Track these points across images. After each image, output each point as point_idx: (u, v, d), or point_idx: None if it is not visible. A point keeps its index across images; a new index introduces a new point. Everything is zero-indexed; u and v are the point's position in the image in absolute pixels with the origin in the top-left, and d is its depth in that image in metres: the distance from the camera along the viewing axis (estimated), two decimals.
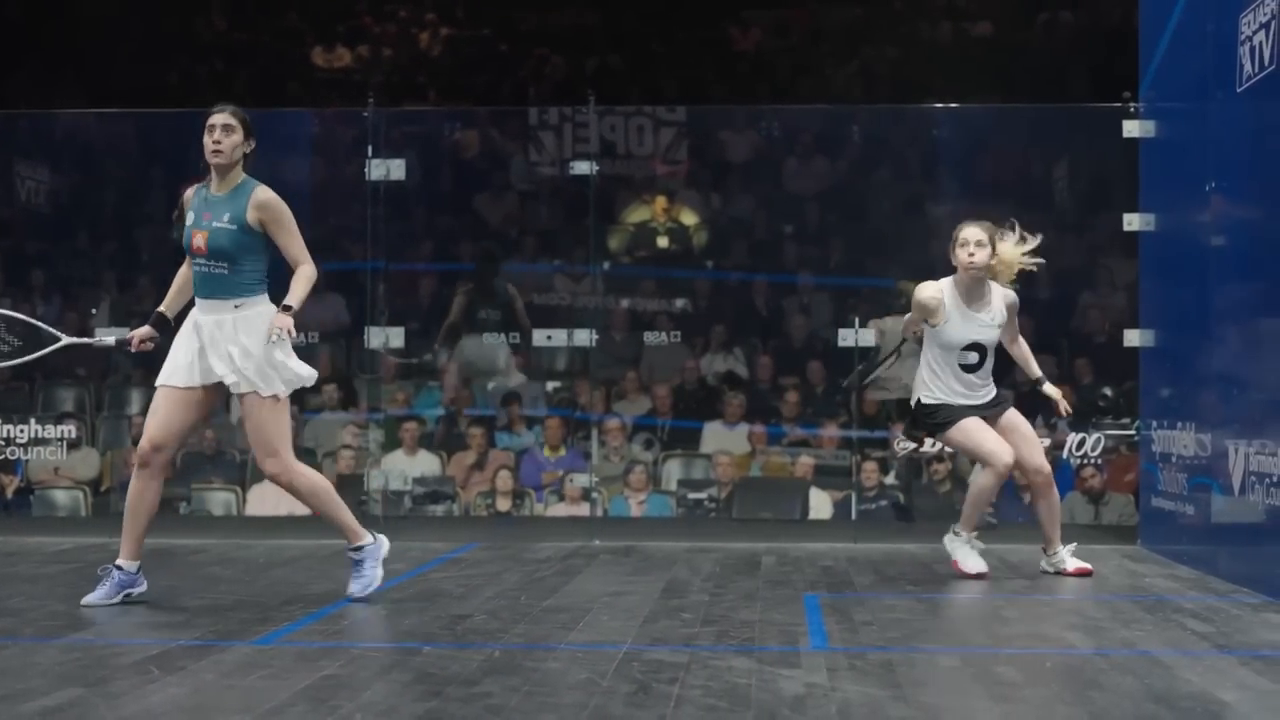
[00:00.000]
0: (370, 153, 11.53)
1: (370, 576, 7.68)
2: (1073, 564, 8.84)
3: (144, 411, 13.03)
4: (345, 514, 7.68)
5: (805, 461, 12.78)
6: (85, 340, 8.11)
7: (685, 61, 18.24)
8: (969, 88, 15.78)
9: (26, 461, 12.16)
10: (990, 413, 8.64)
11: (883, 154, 13.87)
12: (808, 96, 17.06)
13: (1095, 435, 11.89)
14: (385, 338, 11.74)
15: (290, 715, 5.15)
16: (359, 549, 7.69)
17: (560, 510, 12.35)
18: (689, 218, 14.35)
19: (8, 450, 11.96)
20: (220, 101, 7.86)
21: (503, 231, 14.36)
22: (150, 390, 13.35)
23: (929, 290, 8.46)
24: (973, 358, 8.54)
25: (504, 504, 12.39)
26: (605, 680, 5.71)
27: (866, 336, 11.34)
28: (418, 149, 13.08)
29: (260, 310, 7.44)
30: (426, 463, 12.62)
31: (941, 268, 8.68)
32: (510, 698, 5.42)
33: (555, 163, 13.74)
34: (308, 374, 7.56)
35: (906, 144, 13.77)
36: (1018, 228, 8.67)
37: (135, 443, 12.46)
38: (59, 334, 8.07)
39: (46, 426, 12.03)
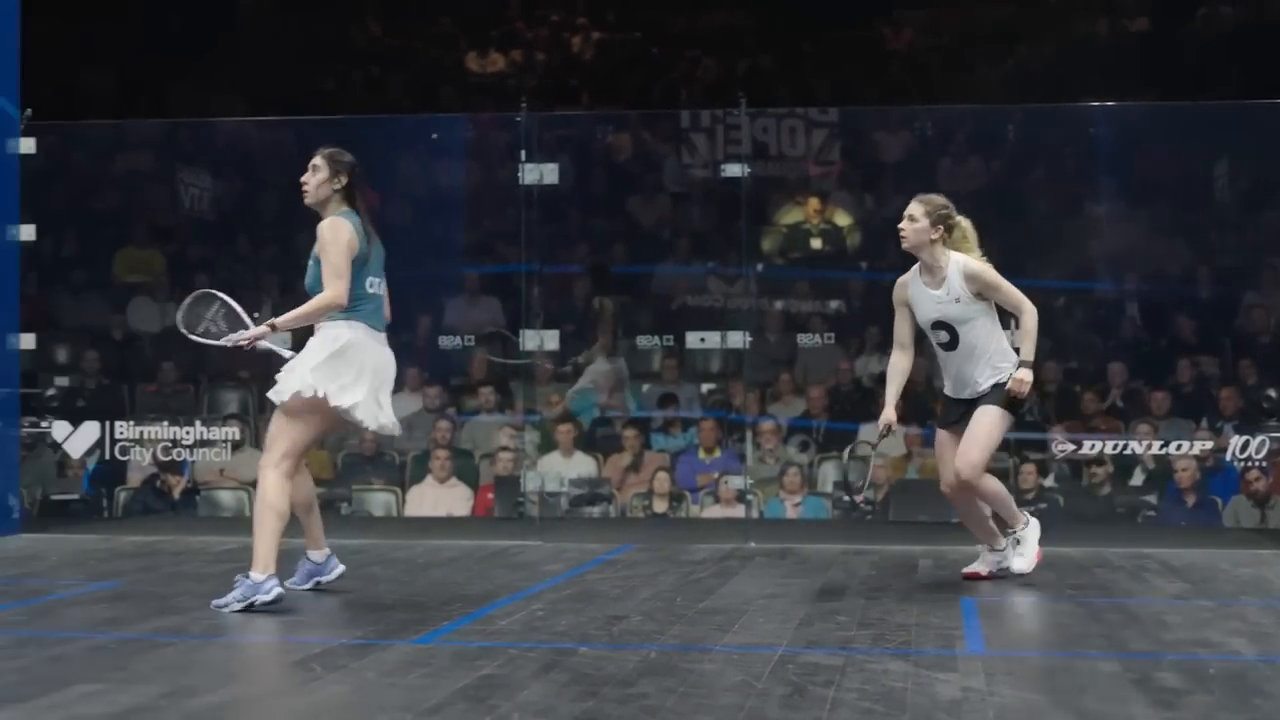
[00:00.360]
0: (523, 157, 11.60)
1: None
2: (1021, 561, 8.58)
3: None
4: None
5: None
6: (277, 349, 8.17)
7: (837, 62, 18.17)
8: (1126, 85, 15.57)
9: (193, 463, 12.40)
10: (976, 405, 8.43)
11: (1038, 154, 13.72)
12: (960, 96, 16.93)
13: (1260, 438, 11.67)
14: (540, 340, 11.82)
15: (449, 714, 5.22)
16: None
17: (715, 512, 12.37)
18: (842, 219, 14.30)
19: (175, 451, 12.20)
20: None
21: (655, 234, 14.41)
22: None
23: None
24: (943, 336, 8.40)
25: (660, 505, 12.43)
26: (760, 682, 5.71)
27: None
28: (570, 152, 13.16)
29: (324, 333, 7.75)
30: (582, 464, 12.70)
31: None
32: (666, 699, 5.44)
33: (707, 165, 13.76)
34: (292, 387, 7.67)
35: (1062, 143, 13.61)
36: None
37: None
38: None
39: (212, 428, 12.25)
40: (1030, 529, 8.60)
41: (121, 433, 12.05)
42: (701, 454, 12.76)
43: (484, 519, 12.23)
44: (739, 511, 11.98)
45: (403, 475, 12.66)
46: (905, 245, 8.39)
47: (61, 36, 18.61)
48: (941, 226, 8.34)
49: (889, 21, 18.82)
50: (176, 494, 12.49)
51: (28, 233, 11.37)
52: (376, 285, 7.89)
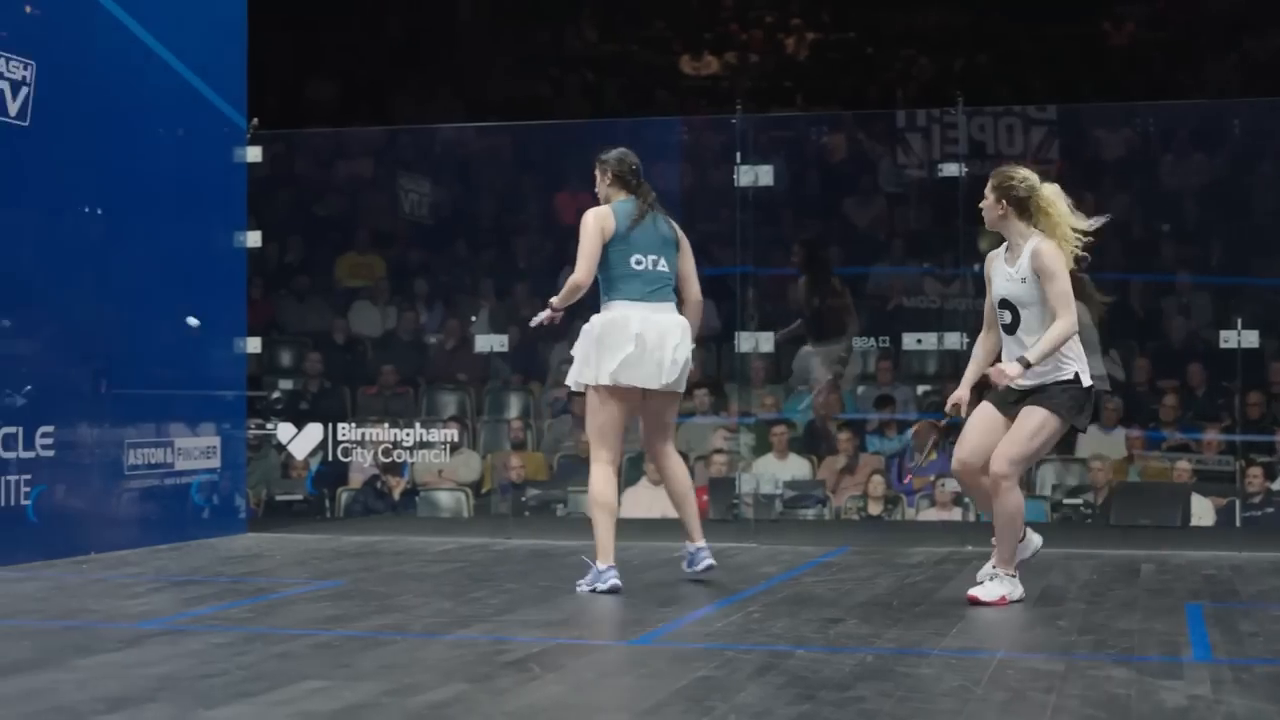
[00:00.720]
0: (738, 159, 11.60)
1: None
2: (981, 590, 7.80)
3: (522, 415, 13.47)
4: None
5: (1185, 466, 12.41)
6: None
7: (1055, 59, 17.90)
8: None
9: (412, 464, 12.61)
10: (1030, 399, 7.74)
11: (1266, 148, 13.36)
12: (1184, 91, 16.57)
13: None
14: (755, 342, 11.80)
15: (666, 715, 5.23)
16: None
17: (931, 515, 12.25)
18: None
19: (395, 453, 12.40)
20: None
21: (871, 235, 14.32)
22: (526, 395, 13.77)
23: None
24: (1006, 316, 7.79)
25: (875, 508, 12.34)
26: (979, 688, 5.64)
27: (1250, 338, 10.92)
28: (785, 154, 13.14)
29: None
30: (797, 466, 12.66)
31: None
32: (883, 703, 5.40)
33: (923, 165, 13.65)
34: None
35: None
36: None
37: (514, 446, 12.85)
38: None
39: (431, 430, 12.44)
40: (1013, 584, 7.85)
41: (343, 434, 12.29)
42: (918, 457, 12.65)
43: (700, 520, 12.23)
44: (955, 514, 11.84)
45: (619, 477, 12.72)
46: (986, 224, 7.93)
47: (286, 48, 19.06)
48: (1005, 201, 7.74)
49: (1110, 16, 18.49)
50: (396, 495, 12.71)
51: (254, 239, 11.67)
52: (645, 262, 8.34)
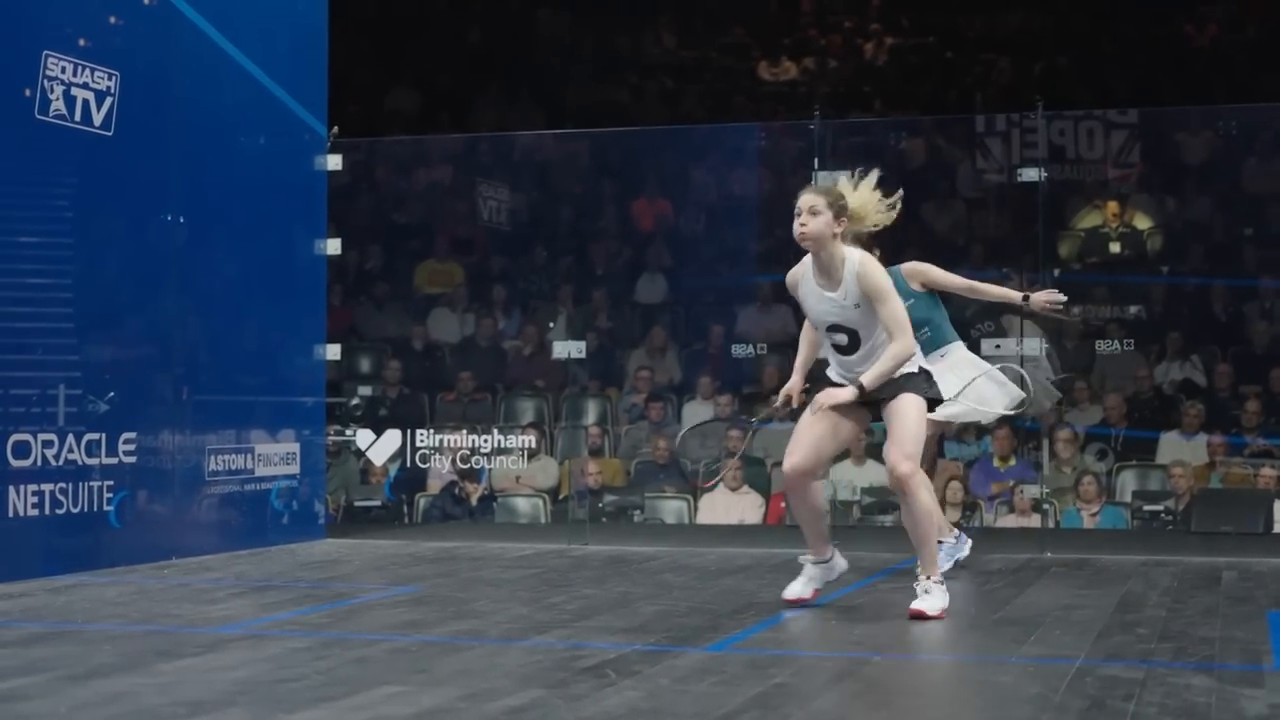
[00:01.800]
0: (817, 164, 11.58)
1: None
2: (925, 604, 7.42)
3: (599, 421, 13.51)
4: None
5: (1269, 473, 12.29)
6: None
7: (1136, 61, 17.77)
8: None
9: (490, 469, 12.65)
10: (884, 394, 7.40)
11: None
12: (1267, 93, 16.40)
13: None
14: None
15: None
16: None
17: (1010, 521, 12.18)
18: (1142, 222, 13.98)
19: (473, 459, 12.46)
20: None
21: (950, 240, 14.26)
22: (603, 401, 13.78)
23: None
24: (841, 339, 7.43)
25: (953, 514, 12.28)
26: (1058, 695, 5.60)
27: None
28: (864, 159, 13.08)
29: None
30: (874, 473, 12.62)
31: None
32: (961, 711, 5.37)
33: (1003, 169, 13.58)
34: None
35: None
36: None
37: (592, 452, 12.88)
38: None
39: (509, 436, 12.49)
40: (943, 592, 7.53)
41: (422, 440, 12.36)
42: (996, 462, 12.58)
43: (776, 527, 12.23)
44: (1034, 521, 11.77)
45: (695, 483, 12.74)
46: (808, 246, 7.34)
47: (367, 57, 19.21)
48: (845, 218, 7.37)
49: (1192, 17, 18.33)
50: (474, 501, 12.76)
51: (334, 246, 11.75)
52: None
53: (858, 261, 7.32)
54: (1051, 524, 11.84)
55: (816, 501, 7.78)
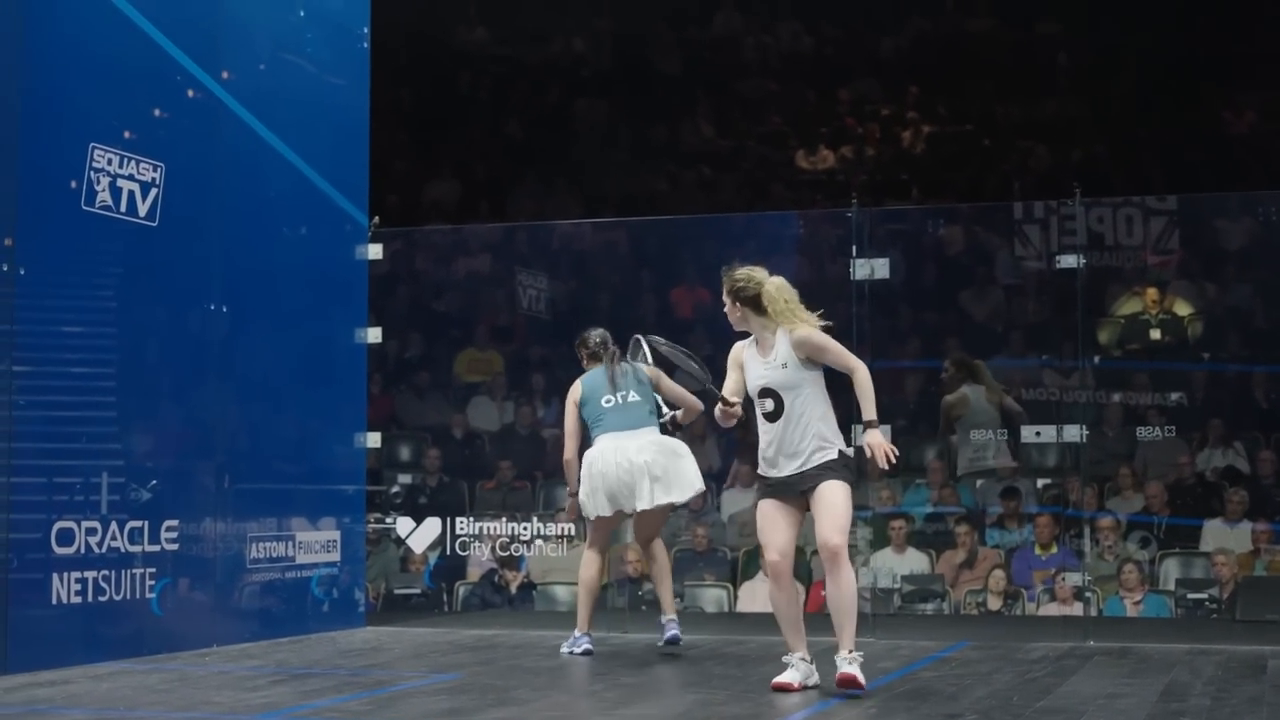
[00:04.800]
0: (854, 251, 11.61)
1: None
2: (851, 669, 7.80)
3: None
4: None
5: None
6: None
7: (1174, 148, 17.79)
8: None
9: (529, 557, 12.64)
10: (806, 486, 8.02)
11: None
12: None
13: None
14: None
15: None
16: None
17: (1052, 609, 12.09)
18: (1182, 308, 13.95)
19: (512, 547, 12.45)
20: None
21: (989, 327, 14.24)
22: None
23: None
24: (769, 405, 8.06)
25: (995, 603, 12.21)
26: None
27: None
28: (902, 247, 13.12)
29: None
30: (915, 560, 12.57)
31: None
32: None
33: (1041, 256, 13.56)
34: None
35: None
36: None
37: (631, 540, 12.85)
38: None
39: (548, 524, 12.48)
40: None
41: (462, 528, 12.36)
42: (1038, 550, 12.51)
43: (816, 615, 12.16)
44: (1077, 609, 11.69)
45: (734, 571, 12.70)
46: (734, 326, 8.32)
47: (407, 148, 19.39)
48: (739, 302, 8.18)
49: (1229, 105, 18.36)
50: (513, 589, 12.74)
51: (374, 335, 11.82)
52: (615, 399, 9.88)
53: (789, 329, 8.15)
54: (1094, 612, 11.76)
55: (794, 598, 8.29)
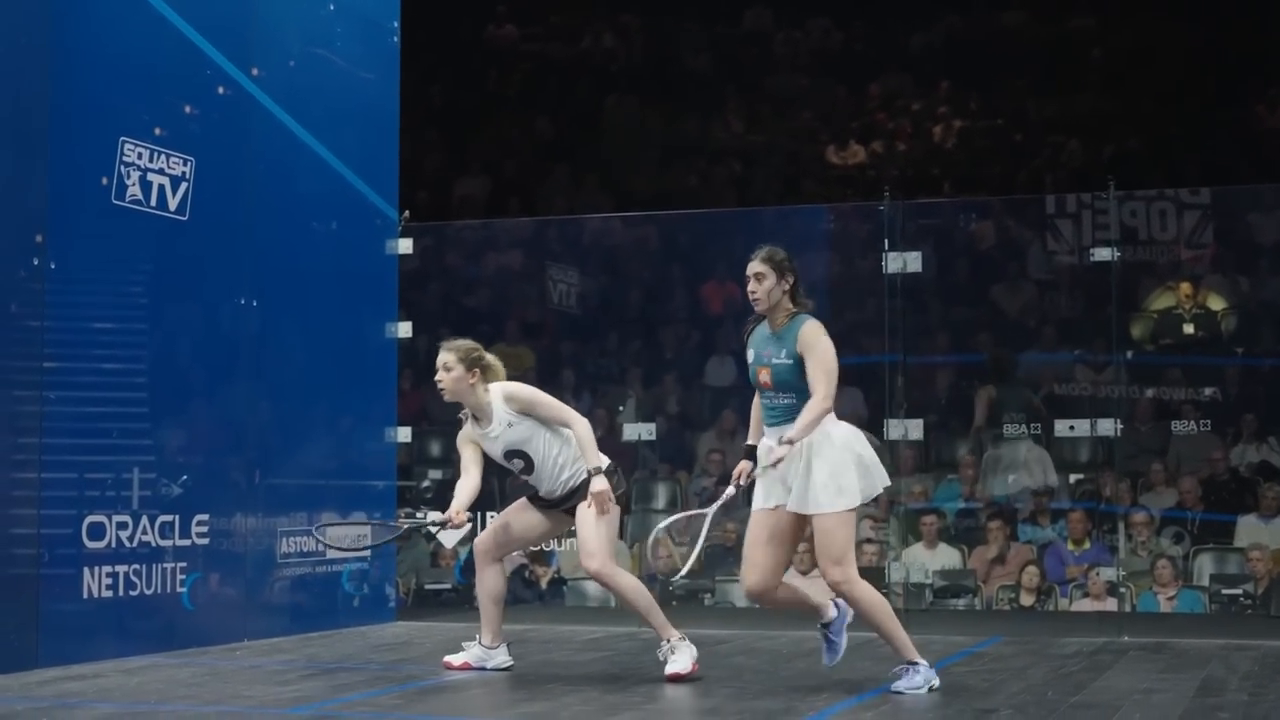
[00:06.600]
0: (886, 246, 11.57)
1: None
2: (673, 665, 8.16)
3: (669, 504, 13.45)
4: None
5: None
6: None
7: (1208, 142, 17.70)
8: None
9: (560, 553, 12.62)
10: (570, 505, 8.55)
11: None
12: None
13: None
14: (904, 430, 11.71)
15: None
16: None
17: (1085, 605, 12.04)
18: (1216, 303, 13.88)
19: (544, 542, 12.43)
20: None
21: (1021, 322, 14.19)
22: (674, 484, 13.75)
23: None
24: (519, 464, 8.55)
25: (1027, 598, 12.16)
26: None
27: None
28: (933, 241, 13.07)
29: (828, 431, 7.61)
30: (947, 556, 12.52)
31: None
32: None
33: (1074, 251, 13.50)
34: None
35: None
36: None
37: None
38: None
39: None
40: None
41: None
42: (1070, 546, 12.45)
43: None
44: (1110, 605, 11.63)
45: None
46: (447, 398, 8.40)
47: (438, 145, 19.41)
48: (476, 369, 8.36)
49: (1263, 98, 18.26)
50: (544, 584, 12.72)
51: (404, 330, 11.83)
52: None
53: (499, 389, 8.39)
54: (1128, 608, 11.70)
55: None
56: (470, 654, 8.63)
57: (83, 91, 9.06)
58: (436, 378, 8.38)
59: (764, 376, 7.74)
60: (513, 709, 7.25)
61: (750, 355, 7.82)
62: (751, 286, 7.76)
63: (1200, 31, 18.29)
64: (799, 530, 7.85)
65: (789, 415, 7.61)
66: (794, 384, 7.64)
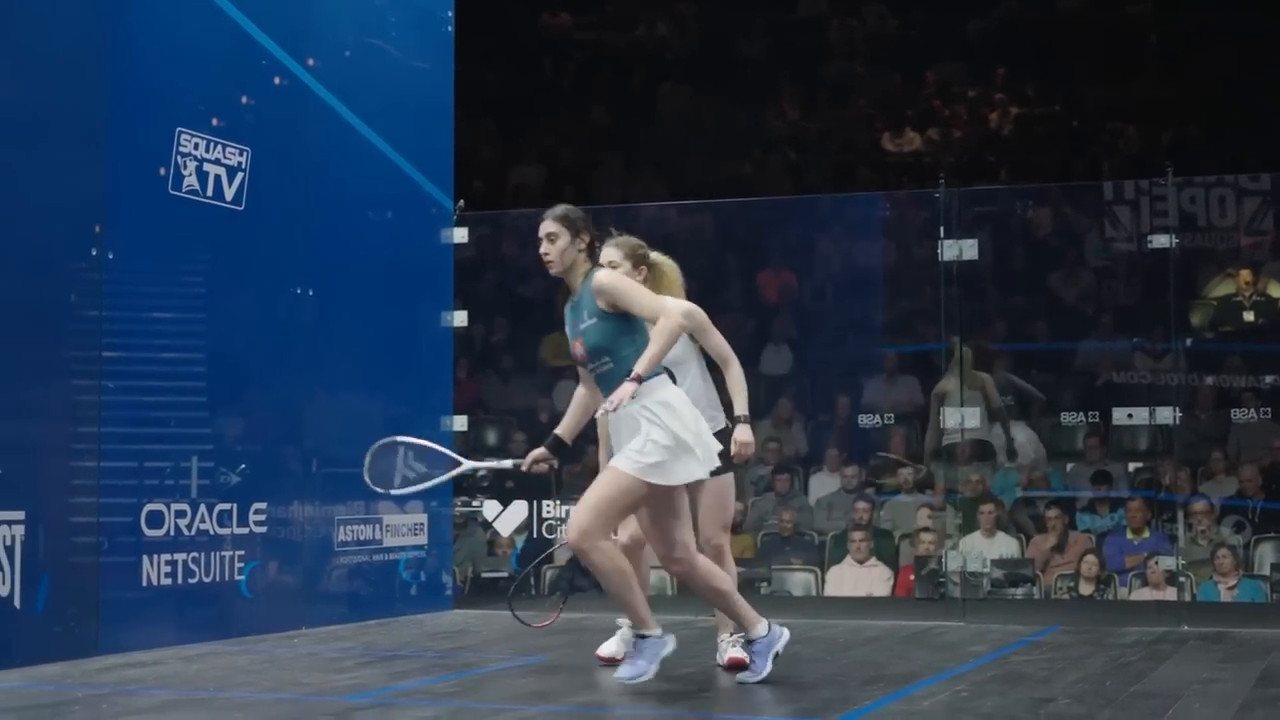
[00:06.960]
0: (942, 234, 11.51)
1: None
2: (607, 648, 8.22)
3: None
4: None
5: None
6: (484, 465, 8.65)
7: (1268, 128, 17.53)
8: None
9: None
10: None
11: None
12: None
13: None
14: (960, 418, 11.67)
15: None
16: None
17: (1144, 594, 11.95)
18: (1276, 290, 13.74)
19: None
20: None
21: (1078, 309, 14.09)
22: None
23: None
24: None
25: (1086, 588, 12.09)
26: None
27: None
28: (990, 228, 12.99)
29: (661, 396, 7.26)
30: (1004, 544, 12.45)
31: None
32: None
33: (1132, 238, 13.40)
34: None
35: None
36: None
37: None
38: (459, 458, 8.46)
39: None
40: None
41: (548, 512, 12.35)
42: (1130, 534, 12.36)
43: (904, 599, 12.09)
44: (1170, 594, 11.55)
45: (822, 555, 12.62)
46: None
47: (493, 134, 19.42)
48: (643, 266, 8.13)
49: None
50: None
51: (460, 319, 11.86)
52: None
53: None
54: (1188, 597, 11.61)
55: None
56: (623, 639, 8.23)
57: (140, 83, 9.12)
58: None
59: (578, 350, 7.41)
60: (569, 697, 7.25)
61: (569, 336, 7.49)
62: (544, 248, 7.43)
63: (1257, 15, 18.12)
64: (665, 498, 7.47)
65: (613, 383, 7.22)
66: (605, 346, 7.29)
